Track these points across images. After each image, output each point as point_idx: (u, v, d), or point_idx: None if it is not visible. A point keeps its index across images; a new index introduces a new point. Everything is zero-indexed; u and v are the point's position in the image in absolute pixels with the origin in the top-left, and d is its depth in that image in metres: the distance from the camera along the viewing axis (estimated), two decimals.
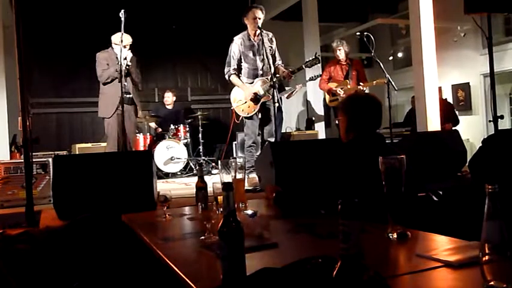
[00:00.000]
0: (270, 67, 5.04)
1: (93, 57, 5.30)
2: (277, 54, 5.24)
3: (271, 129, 5.10)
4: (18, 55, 3.18)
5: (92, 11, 7.58)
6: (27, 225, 2.88)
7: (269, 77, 5.06)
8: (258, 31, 5.06)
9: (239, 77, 5.16)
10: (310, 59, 5.23)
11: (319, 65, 7.28)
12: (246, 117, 5.16)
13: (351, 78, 6.40)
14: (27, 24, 3.33)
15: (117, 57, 5.10)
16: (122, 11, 4.58)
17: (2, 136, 6.18)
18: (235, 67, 5.13)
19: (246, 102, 5.09)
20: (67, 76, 7.84)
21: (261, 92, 5.04)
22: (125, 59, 5.05)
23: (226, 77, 5.21)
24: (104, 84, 5.20)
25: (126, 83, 5.08)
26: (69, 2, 7.63)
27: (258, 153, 4.95)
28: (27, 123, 3.20)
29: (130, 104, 5.32)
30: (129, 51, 5.20)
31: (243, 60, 5.14)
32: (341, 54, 6.43)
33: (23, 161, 3.23)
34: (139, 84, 5.47)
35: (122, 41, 4.81)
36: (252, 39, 5.13)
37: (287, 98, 7.64)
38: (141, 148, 6.73)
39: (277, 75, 5.01)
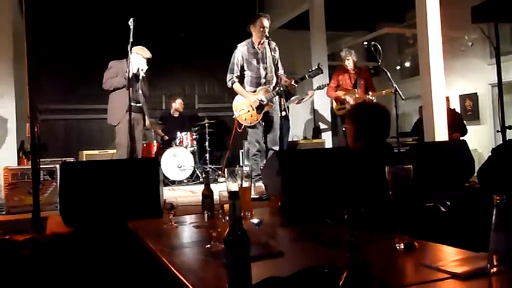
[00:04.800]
0: (273, 76, 5.04)
1: (101, 65, 5.33)
2: (279, 64, 5.19)
3: (275, 138, 5.07)
4: (28, 61, 3.21)
5: (101, 19, 7.65)
6: (33, 231, 2.88)
7: (272, 86, 5.06)
8: (263, 40, 5.06)
9: (242, 85, 5.13)
10: (313, 69, 5.20)
11: (327, 73, 7.33)
12: (248, 126, 5.12)
13: (359, 87, 6.41)
14: (37, 31, 3.36)
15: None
16: (131, 19, 4.61)
17: (10, 142, 6.23)
18: (238, 74, 5.08)
19: (248, 111, 5.05)
20: (75, 83, 7.89)
21: (264, 101, 5.01)
22: (142, 70, 5.18)
23: (229, 84, 5.10)
24: (108, 92, 5.23)
25: (140, 91, 5.18)
26: (78, 9, 7.71)
27: (263, 162, 4.94)
28: (36, 130, 3.22)
29: (139, 112, 5.36)
30: (146, 65, 5.29)
31: (246, 68, 5.09)
32: (349, 64, 6.46)
33: (30, 167, 3.25)
34: (147, 97, 5.54)
35: (137, 53, 4.97)
36: (256, 47, 5.10)
37: (297, 103, 7.63)
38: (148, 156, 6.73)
39: (280, 85, 4.98)
